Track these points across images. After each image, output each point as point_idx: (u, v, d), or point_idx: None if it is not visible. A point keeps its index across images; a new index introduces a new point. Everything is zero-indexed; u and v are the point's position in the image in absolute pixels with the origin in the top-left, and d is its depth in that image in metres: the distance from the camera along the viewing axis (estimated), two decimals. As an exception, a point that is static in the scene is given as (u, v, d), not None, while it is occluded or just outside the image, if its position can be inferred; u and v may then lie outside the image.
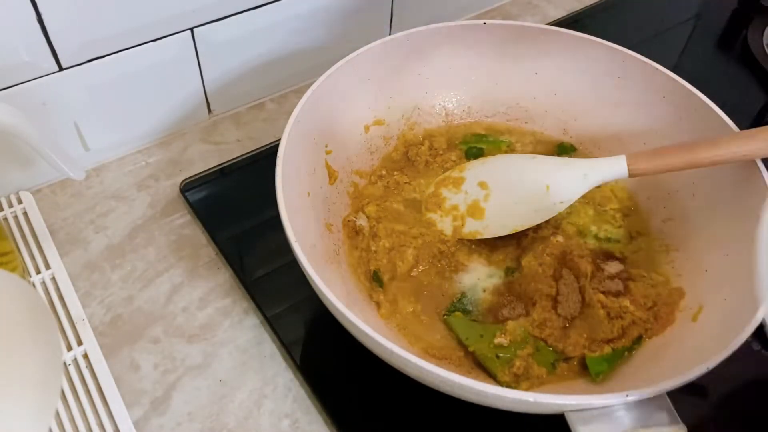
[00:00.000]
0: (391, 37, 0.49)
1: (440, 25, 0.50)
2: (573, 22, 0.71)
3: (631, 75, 0.50)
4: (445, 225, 0.48)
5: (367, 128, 0.51)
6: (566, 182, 0.46)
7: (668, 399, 0.32)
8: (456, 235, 0.47)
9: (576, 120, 0.53)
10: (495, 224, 0.47)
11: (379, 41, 0.49)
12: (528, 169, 0.48)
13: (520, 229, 0.46)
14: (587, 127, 0.53)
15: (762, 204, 0.40)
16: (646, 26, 0.73)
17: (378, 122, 0.52)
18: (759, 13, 0.72)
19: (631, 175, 0.44)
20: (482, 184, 0.49)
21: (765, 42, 0.68)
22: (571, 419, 0.32)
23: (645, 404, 0.32)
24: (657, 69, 0.48)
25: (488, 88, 0.54)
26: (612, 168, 0.44)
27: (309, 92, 0.44)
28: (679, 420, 0.32)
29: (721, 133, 0.44)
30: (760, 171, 0.41)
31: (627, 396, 0.31)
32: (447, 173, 0.51)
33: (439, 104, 0.54)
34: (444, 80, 0.53)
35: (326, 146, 0.48)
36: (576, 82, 0.52)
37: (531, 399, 0.31)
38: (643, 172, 0.44)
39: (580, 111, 0.53)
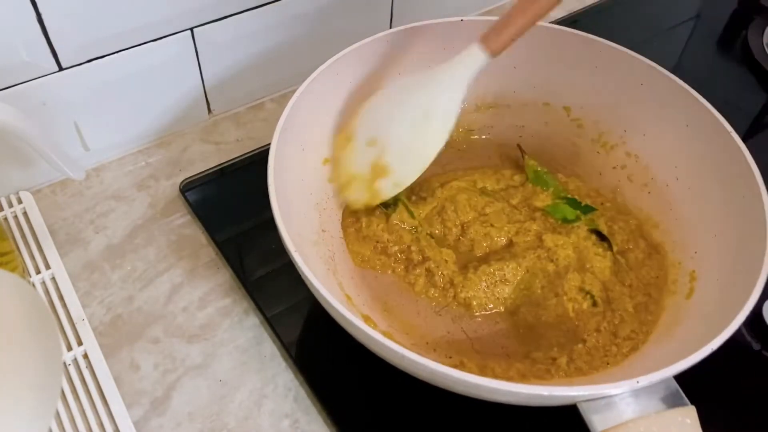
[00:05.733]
0: (370, 38, 0.49)
1: (417, 24, 0.50)
2: (573, 22, 0.71)
3: (607, 64, 0.50)
4: (359, 196, 0.48)
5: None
6: (438, 98, 0.45)
7: (676, 382, 0.33)
8: (375, 200, 0.47)
9: (556, 111, 0.54)
10: (404, 173, 0.46)
11: (358, 43, 0.48)
12: (402, 106, 0.47)
13: (428, 163, 0.46)
14: (569, 116, 0.54)
15: (746, 183, 0.41)
16: (646, 26, 0.73)
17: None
18: (759, 13, 0.72)
19: (492, 55, 0.43)
20: (372, 142, 0.48)
21: (765, 42, 0.68)
22: (584, 409, 0.32)
23: (654, 389, 0.33)
24: (634, 56, 0.49)
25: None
26: (470, 59, 0.43)
27: (292, 100, 0.44)
28: (688, 401, 0.33)
29: (695, 114, 0.45)
30: (742, 151, 0.42)
31: (638, 382, 0.32)
32: (336, 141, 0.49)
33: None
34: None
35: (313, 152, 0.48)
36: (553, 73, 0.53)
37: (545, 393, 0.32)
38: (502, 46, 0.42)
39: (560, 101, 0.53)
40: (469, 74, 0.44)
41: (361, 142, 0.48)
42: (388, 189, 0.47)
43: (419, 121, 0.45)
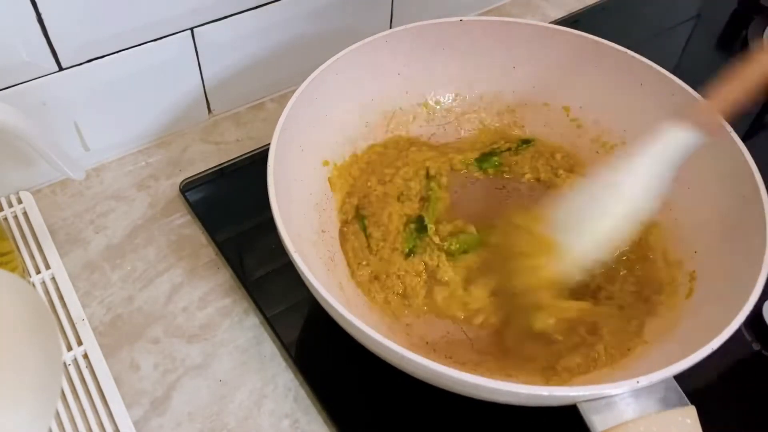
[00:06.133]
0: (370, 38, 0.49)
1: (417, 24, 0.50)
2: (573, 22, 0.71)
3: (606, 63, 0.50)
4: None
5: (351, 131, 0.51)
6: (630, 180, 0.40)
7: (675, 382, 0.33)
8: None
9: (556, 111, 0.54)
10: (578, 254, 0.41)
11: (357, 44, 0.48)
12: (594, 192, 0.42)
13: (600, 245, 0.41)
14: (568, 116, 0.54)
15: (745, 183, 0.41)
16: (646, 26, 0.73)
17: (361, 124, 0.52)
18: (759, 13, 0.72)
19: (708, 135, 0.38)
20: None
21: (765, 42, 0.68)
22: (584, 409, 0.33)
23: (654, 389, 0.33)
24: (633, 56, 0.49)
25: (468, 84, 0.54)
26: (674, 140, 0.38)
27: (292, 101, 0.44)
28: (688, 401, 0.33)
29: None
30: (741, 151, 0.42)
31: (638, 382, 0.32)
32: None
33: (420, 103, 0.54)
34: (423, 79, 0.53)
35: (313, 153, 0.48)
36: (552, 73, 0.53)
37: (545, 393, 0.32)
38: (717, 121, 0.38)
39: (559, 101, 0.53)
40: (671, 157, 0.39)
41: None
42: (564, 269, 0.42)
43: (601, 203, 0.40)
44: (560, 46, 0.51)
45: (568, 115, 0.53)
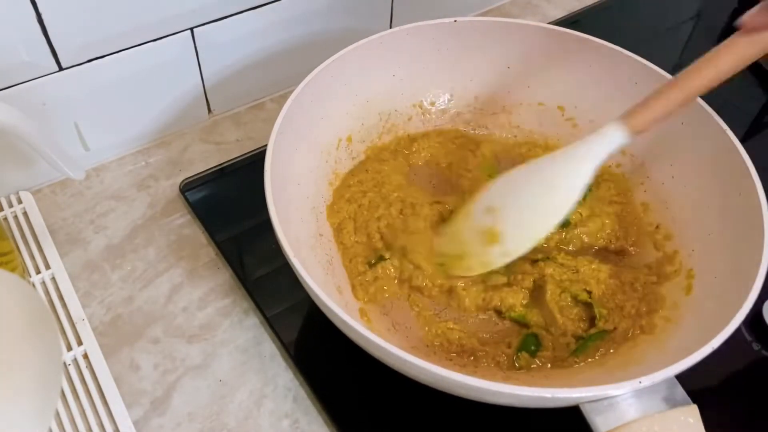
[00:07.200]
0: (365, 40, 0.49)
1: (411, 25, 0.50)
2: (573, 22, 0.71)
3: (601, 62, 0.50)
4: (468, 268, 0.45)
5: (348, 132, 0.51)
6: (565, 173, 0.42)
7: (677, 381, 0.33)
8: (482, 269, 0.44)
9: (551, 110, 0.54)
10: (515, 243, 0.43)
11: (352, 46, 0.48)
12: (530, 177, 0.44)
13: (543, 236, 0.43)
14: (563, 116, 0.54)
15: (742, 181, 0.41)
16: (646, 26, 0.73)
17: (357, 126, 0.52)
18: (759, 13, 0.72)
19: (633, 134, 0.40)
20: (490, 210, 0.45)
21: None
22: (587, 410, 0.33)
23: (656, 388, 0.33)
24: (627, 55, 0.49)
25: (463, 84, 0.54)
26: (607, 137, 0.40)
27: (287, 104, 0.44)
28: (690, 400, 0.33)
29: (690, 112, 0.45)
30: (737, 149, 0.42)
31: (640, 382, 0.32)
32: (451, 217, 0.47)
33: (416, 104, 0.54)
34: (418, 80, 0.53)
35: (310, 155, 0.47)
36: (547, 73, 0.53)
37: (548, 395, 0.32)
38: (643, 128, 0.40)
39: (554, 101, 0.53)
40: (603, 152, 0.40)
41: (479, 210, 0.45)
42: (496, 258, 0.44)
43: (542, 194, 0.43)
44: (554, 45, 0.51)
45: (563, 115, 0.53)
